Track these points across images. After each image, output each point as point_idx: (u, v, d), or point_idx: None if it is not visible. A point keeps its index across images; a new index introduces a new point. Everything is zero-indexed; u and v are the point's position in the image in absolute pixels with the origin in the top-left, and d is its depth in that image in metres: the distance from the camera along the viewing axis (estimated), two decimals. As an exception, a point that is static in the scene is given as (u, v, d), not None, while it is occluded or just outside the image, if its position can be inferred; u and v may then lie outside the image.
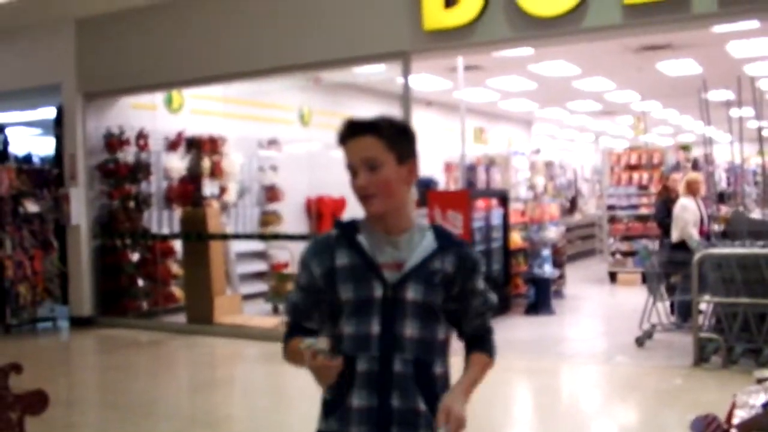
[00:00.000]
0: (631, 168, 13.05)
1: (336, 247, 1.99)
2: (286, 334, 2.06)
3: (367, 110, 12.88)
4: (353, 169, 1.94)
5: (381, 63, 7.91)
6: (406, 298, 1.94)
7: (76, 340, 8.79)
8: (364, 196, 1.94)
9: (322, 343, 1.83)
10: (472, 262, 2.03)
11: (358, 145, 1.93)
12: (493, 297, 2.09)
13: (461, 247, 2.02)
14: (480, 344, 2.10)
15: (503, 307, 9.50)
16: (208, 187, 10.59)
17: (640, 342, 7.46)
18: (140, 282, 9.67)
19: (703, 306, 7.05)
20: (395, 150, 1.94)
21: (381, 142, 1.92)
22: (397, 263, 1.96)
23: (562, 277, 10.69)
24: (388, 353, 1.92)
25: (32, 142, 11.14)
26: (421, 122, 15.00)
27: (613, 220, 12.82)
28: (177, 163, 10.35)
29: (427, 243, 1.98)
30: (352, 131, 1.95)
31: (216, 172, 10.67)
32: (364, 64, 8.17)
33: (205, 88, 10.29)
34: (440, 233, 2.02)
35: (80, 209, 9.40)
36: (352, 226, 2.02)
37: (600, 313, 10.00)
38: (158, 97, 10.38)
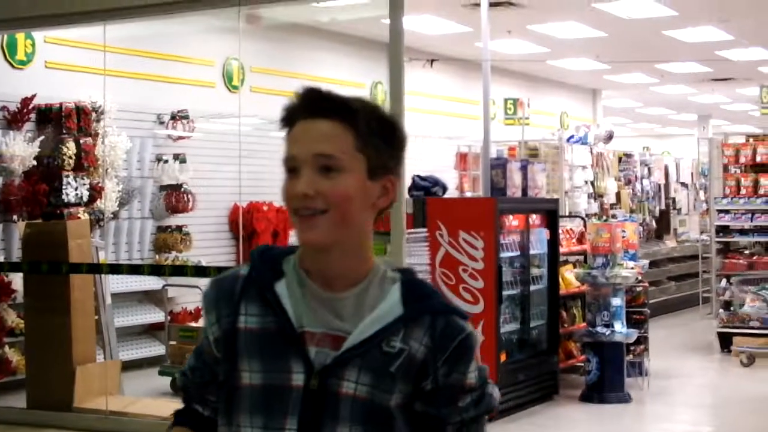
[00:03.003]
0: (757, 167, 13.10)
1: (243, 296, 2.03)
2: (171, 422, 2.15)
3: (336, 67, 13.04)
4: (294, 165, 1.96)
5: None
6: (340, 391, 1.95)
7: None
8: (302, 211, 1.95)
9: None
10: (460, 342, 2.00)
11: (314, 131, 1.95)
12: (494, 394, 2.08)
13: (442, 315, 2.01)
14: None
15: (547, 390, 9.45)
16: (72, 188, 10.55)
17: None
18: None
19: None
20: (371, 154, 1.98)
21: (352, 136, 1.96)
22: (334, 336, 1.97)
23: (642, 341, 10.64)
24: None
25: None
26: (421, 88, 15.09)
27: (726, 250, 12.81)
28: (21, 148, 10.27)
29: (388, 305, 1.99)
30: (312, 107, 1.97)
31: (85, 162, 10.61)
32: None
33: (70, 30, 10.23)
34: (412, 290, 2.02)
35: None
36: (274, 265, 2.04)
37: (706, 401, 9.98)
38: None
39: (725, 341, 12.33)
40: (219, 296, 2.05)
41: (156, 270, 10.34)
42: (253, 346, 1.98)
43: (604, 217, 11.39)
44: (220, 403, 2.05)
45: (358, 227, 1.97)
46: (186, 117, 11.92)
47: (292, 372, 1.96)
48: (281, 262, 2.03)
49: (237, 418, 1.99)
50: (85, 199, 10.64)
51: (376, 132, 1.97)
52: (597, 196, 15.04)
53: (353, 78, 14.16)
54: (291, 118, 1.98)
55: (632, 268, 10.28)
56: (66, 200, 10.45)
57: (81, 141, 10.60)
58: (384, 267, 2.03)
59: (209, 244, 11.91)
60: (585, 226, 10.85)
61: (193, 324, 10.16)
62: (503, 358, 8.77)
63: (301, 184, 1.93)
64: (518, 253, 9.50)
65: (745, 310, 11.91)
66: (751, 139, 13.71)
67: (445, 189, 10.40)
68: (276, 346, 1.97)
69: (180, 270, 9.97)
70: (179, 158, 11.77)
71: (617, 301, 9.77)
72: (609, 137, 16.25)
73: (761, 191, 12.95)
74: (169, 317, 10.92)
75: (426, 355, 1.97)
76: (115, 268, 9.96)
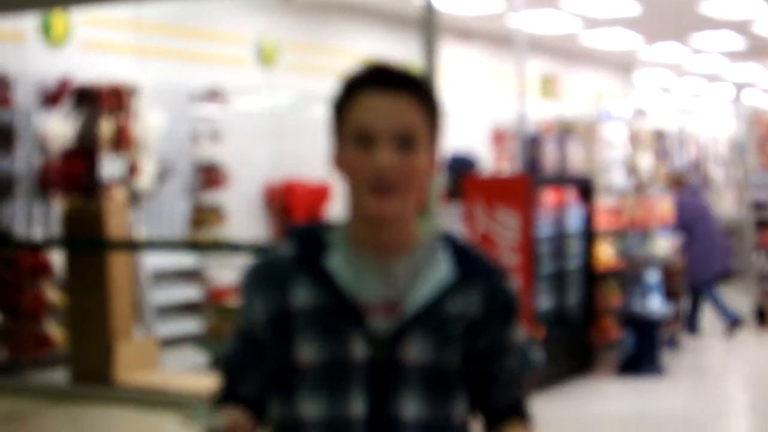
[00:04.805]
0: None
1: (292, 276, 2.02)
2: (215, 401, 2.16)
3: (370, 43, 12.98)
4: (369, 137, 1.94)
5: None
6: (406, 360, 1.98)
7: None
8: (383, 185, 1.94)
9: (215, 418, 1.93)
10: (508, 301, 2.08)
11: (394, 106, 1.95)
12: (537, 355, 2.16)
13: (493, 277, 2.08)
14: (512, 411, 2.16)
15: (583, 364, 9.49)
16: (109, 166, 10.59)
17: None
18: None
19: None
20: (432, 128, 2.01)
21: (421, 112, 1.98)
22: (390, 304, 1.98)
23: (679, 316, 10.63)
24: None
25: None
26: (456, 65, 15.03)
27: (763, 224, 12.75)
28: (59, 127, 10.34)
29: (441, 270, 2.02)
30: (386, 80, 1.97)
31: (121, 141, 10.66)
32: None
33: (106, 9, 10.26)
34: (461, 253, 2.06)
35: None
36: (318, 241, 2.03)
37: (742, 376, 9.94)
38: (29, 22, 10.36)
39: (763, 316, 12.37)
40: (265, 279, 2.04)
41: (194, 246, 10.40)
42: (309, 325, 1.98)
43: (640, 193, 11.37)
44: (273, 386, 2.05)
45: (416, 198, 1.99)
46: (219, 94, 11.95)
47: (354, 345, 1.96)
48: (323, 237, 2.03)
49: (296, 398, 1.99)
50: (122, 177, 10.71)
51: (435, 104, 2.00)
52: (632, 171, 14.98)
53: (386, 53, 14.13)
54: (354, 88, 1.97)
55: (668, 243, 10.28)
56: (103, 179, 10.52)
57: (117, 120, 10.63)
58: (428, 233, 2.05)
59: (243, 219, 11.92)
60: (621, 201, 10.83)
61: (229, 302, 10.15)
62: (540, 333, 8.78)
63: (383, 157, 1.92)
64: (554, 229, 9.52)
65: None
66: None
67: (477, 165, 10.42)
68: (334, 321, 1.97)
69: (217, 246, 10.02)
70: (213, 135, 11.81)
71: (653, 277, 9.78)
72: (642, 114, 16.20)
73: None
74: (206, 295, 10.98)
75: (480, 315, 2.02)
76: (153, 245, 10.05)
